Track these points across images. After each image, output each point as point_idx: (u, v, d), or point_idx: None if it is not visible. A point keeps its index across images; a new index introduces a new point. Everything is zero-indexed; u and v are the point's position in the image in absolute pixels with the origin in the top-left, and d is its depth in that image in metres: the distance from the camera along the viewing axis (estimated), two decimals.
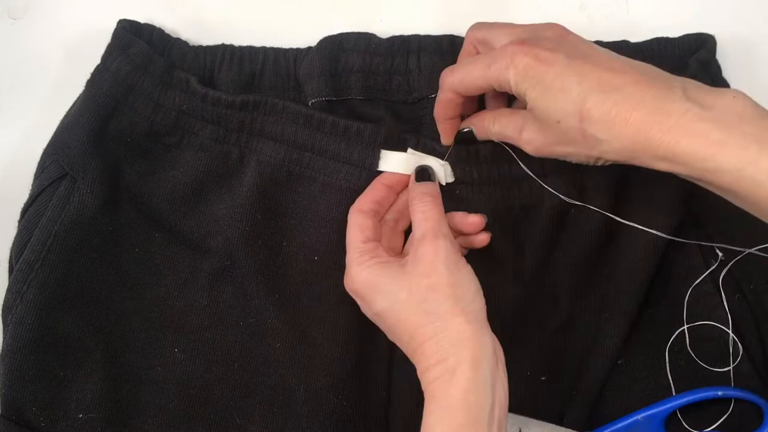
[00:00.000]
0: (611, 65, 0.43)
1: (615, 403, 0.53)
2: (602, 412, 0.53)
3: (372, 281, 0.48)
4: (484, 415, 0.42)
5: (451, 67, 0.50)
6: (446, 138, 0.53)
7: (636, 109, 0.41)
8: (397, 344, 0.48)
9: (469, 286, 0.46)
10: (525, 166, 0.52)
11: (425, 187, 0.51)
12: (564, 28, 0.47)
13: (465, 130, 0.52)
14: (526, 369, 0.54)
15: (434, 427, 0.42)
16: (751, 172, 0.38)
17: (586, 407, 0.53)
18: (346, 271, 0.50)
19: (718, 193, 0.42)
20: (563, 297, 0.54)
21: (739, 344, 0.52)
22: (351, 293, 0.49)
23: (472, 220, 0.52)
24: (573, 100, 0.42)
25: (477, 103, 0.53)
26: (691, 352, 0.53)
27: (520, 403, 0.53)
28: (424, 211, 0.48)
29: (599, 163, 0.46)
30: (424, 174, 0.52)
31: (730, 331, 0.52)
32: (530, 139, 0.47)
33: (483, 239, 0.53)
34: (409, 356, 0.46)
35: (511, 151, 0.52)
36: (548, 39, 0.45)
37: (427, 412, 0.43)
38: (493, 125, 0.50)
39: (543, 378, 0.54)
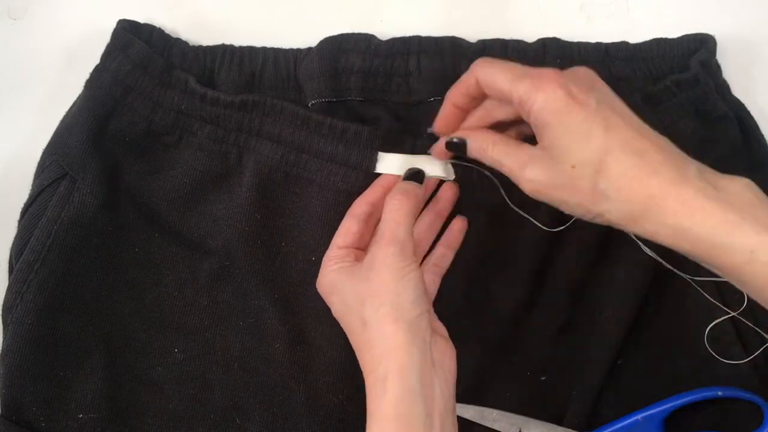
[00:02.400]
0: (637, 126, 0.43)
1: (615, 403, 0.53)
2: (602, 412, 0.53)
3: (332, 284, 0.48)
4: (419, 425, 0.41)
5: (489, 58, 0.47)
6: (440, 121, 0.50)
7: (655, 176, 0.40)
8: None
9: (408, 293, 0.44)
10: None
11: (406, 185, 0.49)
12: (594, 74, 0.45)
13: (455, 140, 0.48)
14: (526, 369, 0.54)
15: None
16: (764, 257, 0.38)
17: (585, 407, 0.53)
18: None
19: (718, 272, 0.41)
20: (563, 297, 0.54)
21: (739, 344, 0.52)
22: (320, 294, 0.49)
23: (446, 194, 0.53)
24: (596, 150, 0.41)
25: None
26: (709, 348, 0.52)
27: (520, 403, 0.53)
28: (390, 210, 0.47)
29: (594, 221, 0.44)
30: (413, 176, 0.51)
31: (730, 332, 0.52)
32: (532, 178, 0.44)
33: (460, 227, 0.53)
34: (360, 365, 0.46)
35: (494, 179, 0.51)
36: (582, 79, 0.44)
37: (367, 425, 0.43)
38: (492, 149, 0.46)
39: (543, 378, 0.54)
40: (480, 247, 0.54)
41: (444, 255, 0.53)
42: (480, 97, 0.48)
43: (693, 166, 0.42)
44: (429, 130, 0.51)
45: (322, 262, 0.49)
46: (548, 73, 0.43)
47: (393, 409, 0.42)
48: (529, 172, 0.44)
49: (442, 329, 0.47)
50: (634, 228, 0.42)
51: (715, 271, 0.41)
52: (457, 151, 0.49)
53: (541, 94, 0.42)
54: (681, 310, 0.53)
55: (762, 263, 0.38)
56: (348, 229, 0.50)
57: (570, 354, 0.54)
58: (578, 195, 0.42)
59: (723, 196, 0.40)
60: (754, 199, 0.40)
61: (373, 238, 0.48)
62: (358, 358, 0.46)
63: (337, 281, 0.47)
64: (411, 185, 0.49)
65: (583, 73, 0.45)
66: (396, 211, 0.47)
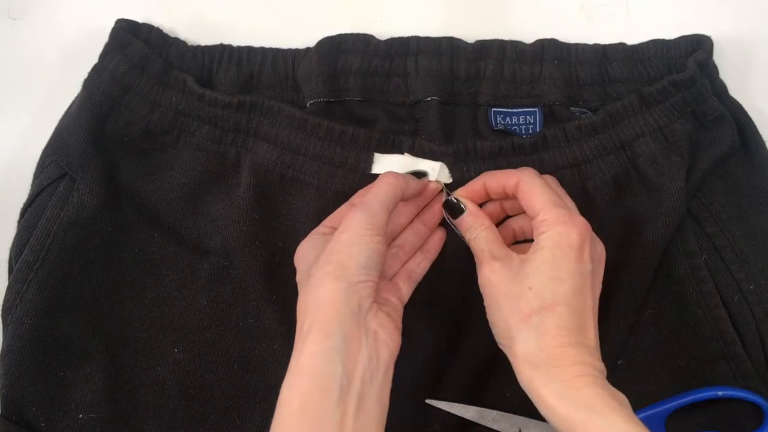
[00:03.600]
0: (594, 316, 0.46)
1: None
2: None
3: (302, 251, 0.49)
4: (334, 385, 0.41)
5: (536, 173, 0.50)
6: (463, 191, 0.52)
7: (573, 347, 0.44)
8: None
9: (359, 257, 0.44)
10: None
11: (404, 173, 0.51)
12: (604, 254, 0.49)
13: (455, 201, 0.51)
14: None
15: (284, 391, 0.42)
16: None
17: None
18: None
19: None
20: None
21: (740, 344, 0.52)
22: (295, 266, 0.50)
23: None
24: (555, 294, 0.44)
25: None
26: None
27: (520, 403, 0.53)
28: (376, 185, 0.48)
29: (501, 341, 0.47)
30: (414, 173, 0.52)
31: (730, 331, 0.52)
32: (493, 273, 0.47)
33: (440, 237, 0.54)
34: None
35: (450, 221, 0.52)
36: (597, 246, 0.48)
37: (284, 380, 0.43)
38: (479, 230, 0.49)
39: None
40: None
41: (421, 262, 0.53)
42: (509, 196, 0.51)
43: (602, 368, 0.45)
44: (451, 197, 0.52)
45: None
46: (580, 219, 0.47)
47: (309, 361, 0.42)
48: (497, 266, 0.47)
49: (395, 318, 0.47)
50: (525, 372, 0.44)
51: None
52: (452, 211, 0.52)
53: (561, 227, 0.46)
54: (681, 310, 0.53)
55: None
56: (340, 212, 0.51)
57: None
58: (512, 312, 0.45)
59: (609, 390, 0.43)
60: (629, 407, 0.43)
61: None
62: (297, 311, 0.45)
63: (307, 248, 0.48)
64: (406, 177, 0.51)
65: (600, 246, 0.49)
66: (380, 186, 0.48)
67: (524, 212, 0.51)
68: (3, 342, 0.51)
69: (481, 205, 0.52)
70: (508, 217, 0.54)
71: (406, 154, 0.54)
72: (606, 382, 0.43)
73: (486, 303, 0.48)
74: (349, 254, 0.44)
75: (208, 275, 0.54)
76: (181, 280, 0.54)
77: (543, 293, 0.45)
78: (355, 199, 0.52)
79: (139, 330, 0.53)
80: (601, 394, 0.42)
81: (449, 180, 0.53)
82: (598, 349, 0.46)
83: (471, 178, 0.53)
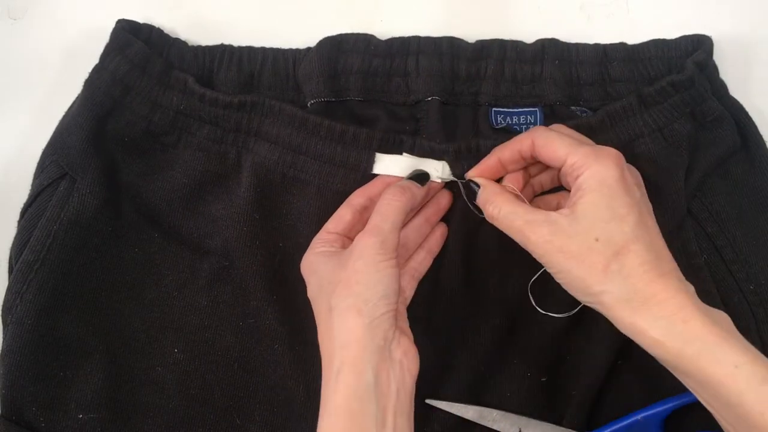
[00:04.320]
0: (659, 234, 0.45)
1: (615, 403, 0.53)
2: (602, 412, 0.53)
3: (313, 265, 0.48)
4: (370, 422, 0.41)
5: (546, 128, 0.49)
6: (476, 170, 0.51)
7: (663, 279, 0.42)
8: None
9: (378, 287, 0.44)
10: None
11: (405, 183, 0.50)
12: (640, 176, 0.49)
13: (474, 184, 0.50)
14: (527, 370, 0.54)
15: None
16: (746, 373, 0.40)
17: (585, 408, 0.52)
18: None
19: (688, 383, 0.43)
20: (563, 298, 0.54)
21: None
22: (302, 275, 0.50)
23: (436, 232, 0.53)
24: (625, 233, 0.43)
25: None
26: None
27: (520, 403, 0.53)
28: (382, 203, 0.48)
29: (586, 300, 0.45)
30: (416, 177, 0.51)
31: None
32: (547, 237, 0.44)
33: (441, 233, 0.53)
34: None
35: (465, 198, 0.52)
36: (633, 173, 0.47)
37: (319, 416, 0.43)
38: (501, 205, 0.47)
39: (543, 379, 0.54)
40: (477, 249, 0.54)
41: (423, 259, 0.53)
42: (527, 160, 0.50)
43: (691, 286, 0.44)
44: (465, 176, 0.51)
45: (310, 244, 0.50)
46: (610, 150, 0.45)
47: (344, 402, 0.42)
48: (547, 230, 0.44)
49: (408, 331, 0.48)
50: (625, 318, 0.43)
51: (686, 381, 0.43)
52: (468, 193, 0.51)
53: (597, 164, 0.44)
54: None
55: (744, 378, 0.40)
56: (341, 216, 0.51)
57: (570, 355, 0.54)
58: (586, 268, 0.43)
59: (712, 316, 0.42)
60: (734, 327, 0.43)
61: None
62: (320, 344, 0.46)
63: (318, 263, 0.48)
64: (410, 183, 0.50)
65: (635, 170, 0.48)
66: (387, 205, 0.48)
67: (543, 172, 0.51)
68: (3, 342, 0.51)
69: (499, 181, 0.51)
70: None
71: (405, 154, 0.54)
72: (703, 304, 0.42)
73: (552, 271, 0.45)
74: (366, 284, 0.44)
75: (209, 275, 0.54)
76: (182, 280, 0.54)
77: (611, 238, 0.43)
78: (353, 198, 0.52)
79: (139, 330, 0.53)
80: (708, 324, 0.41)
81: (451, 179, 0.53)
82: (679, 270, 0.44)
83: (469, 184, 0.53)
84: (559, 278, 0.45)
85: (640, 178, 0.48)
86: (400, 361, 0.45)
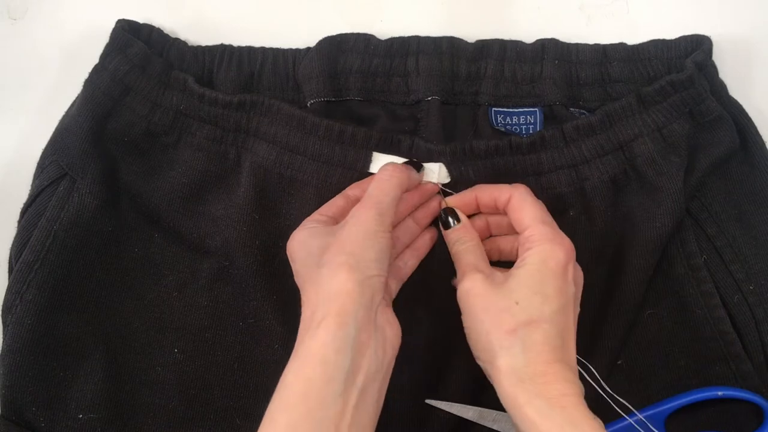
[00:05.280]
0: (572, 338, 0.46)
1: (615, 404, 0.53)
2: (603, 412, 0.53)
3: (301, 240, 0.48)
4: (340, 375, 0.41)
5: (528, 190, 0.50)
6: (453, 200, 0.53)
7: (552, 364, 0.43)
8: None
9: (371, 251, 0.45)
10: None
11: (402, 164, 0.51)
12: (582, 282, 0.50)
13: (451, 216, 0.52)
14: None
15: (287, 376, 0.42)
16: None
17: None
18: None
19: None
20: None
21: (739, 344, 0.52)
22: (288, 255, 0.49)
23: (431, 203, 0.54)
24: (548, 312, 0.44)
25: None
26: None
27: None
28: (380, 179, 0.49)
29: (480, 359, 0.46)
30: (413, 163, 0.52)
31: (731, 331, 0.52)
32: (474, 283, 0.47)
33: (430, 236, 0.54)
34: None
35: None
36: (579, 273, 0.49)
37: (288, 363, 0.43)
38: (467, 242, 0.50)
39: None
40: None
41: (409, 260, 0.53)
42: (498, 210, 0.51)
43: (583, 388, 0.44)
44: (448, 206, 0.53)
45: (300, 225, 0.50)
46: (567, 240, 0.47)
47: (320, 350, 0.41)
48: (478, 278, 0.47)
49: (394, 314, 0.47)
50: (508, 386, 0.44)
51: None
52: (444, 220, 0.52)
53: (549, 245, 0.46)
54: (681, 311, 0.53)
55: None
56: (335, 203, 0.51)
57: None
58: (496, 325, 0.45)
59: (591, 415, 0.42)
60: None
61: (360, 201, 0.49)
62: (302, 295, 0.45)
63: (307, 236, 0.48)
64: (406, 165, 0.51)
65: (580, 270, 0.49)
66: (385, 181, 0.48)
67: (509, 234, 0.52)
68: (3, 342, 0.51)
69: (470, 217, 0.52)
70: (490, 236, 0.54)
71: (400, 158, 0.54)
72: (587, 408, 0.43)
73: (465, 316, 0.47)
74: (362, 247, 0.45)
75: (209, 275, 0.54)
76: (182, 280, 0.54)
77: (530, 308, 0.44)
78: (349, 190, 0.52)
79: (139, 330, 0.53)
80: (585, 415, 0.42)
81: (447, 179, 0.53)
82: (577, 369, 0.45)
83: (469, 178, 0.53)
84: (467, 326, 0.47)
85: (582, 281, 0.49)
86: (383, 327, 0.45)
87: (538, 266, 0.46)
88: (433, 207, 0.53)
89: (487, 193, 0.51)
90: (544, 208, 0.49)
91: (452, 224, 0.51)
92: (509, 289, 0.45)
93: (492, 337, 0.45)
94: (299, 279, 0.47)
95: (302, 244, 0.48)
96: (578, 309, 0.48)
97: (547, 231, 0.47)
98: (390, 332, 0.45)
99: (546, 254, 0.46)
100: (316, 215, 0.50)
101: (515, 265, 0.47)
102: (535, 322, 0.44)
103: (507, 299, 0.45)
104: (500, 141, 0.53)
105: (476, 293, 0.46)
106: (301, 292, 0.46)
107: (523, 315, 0.44)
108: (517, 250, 0.49)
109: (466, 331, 0.47)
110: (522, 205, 0.49)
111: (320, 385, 0.41)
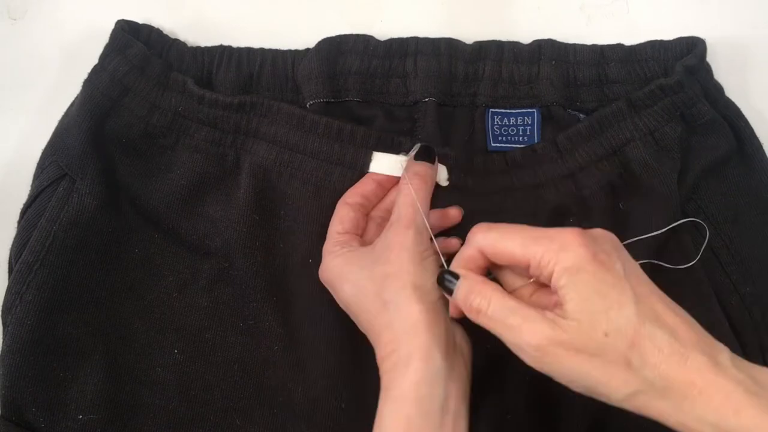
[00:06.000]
0: (664, 298, 0.40)
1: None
2: (603, 413, 0.53)
3: (340, 269, 0.48)
4: (436, 408, 0.41)
5: (487, 223, 0.43)
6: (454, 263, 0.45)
7: (690, 359, 0.37)
8: (366, 334, 0.47)
9: (429, 276, 0.45)
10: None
11: (421, 167, 0.50)
12: (614, 236, 0.41)
13: (449, 278, 0.43)
14: (527, 372, 0.53)
15: (386, 418, 0.42)
16: None
17: (588, 410, 0.52)
18: (321, 261, 0.50)
19: None
20: None
21: (738, 346, 0.52)
22: (324, 283, 0.50)
23: (452, 213, 0.52)
24: (630, 319, 0.37)
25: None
26: None
27: (521, 404, 0.53)
28: (408, 194, 0.48)
29: (621, 404, 0.38)
30: (425, 152, 0.50)
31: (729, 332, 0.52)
32: (544, 333, 0.38)
33: (455, 214, 0.52)
34: (374, 346, 0.46)
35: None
36: (605, 240, 0.40)
37: (380, 403, 0.43)
38: (490, 299, 0.41)
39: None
40: None
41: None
42: (490, 266, 0.44)
43: (724, 350, 0.38)
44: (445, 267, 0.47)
45: (324, 251, 0.50)
46: (569, 232, 0.40)
47: (414, 388, 0.42)
48: (543, 328, 0.38)
49: (463, 328, 0.47)
50: (669, 418, 0.37)
51: None
52: (443, 287, 0.44)
53: (563, 254, 0.39)
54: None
55: None
56: (344, 215, 0.51)
57: None
58: (607, 368, 0.37)
59: (762, 390, 0.36)
60: None
61: (388, 222, 0.48)
62: (374, 340, 0.46)
63: (345, 266, 0.47)
64: (424, 167, 0.50)
65: (603, 235, 0.41)
66: (412, 196, 0.48)
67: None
68: (3, 342, 0.51)
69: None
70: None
71: (401, 154, 0.54)
72: (744, 367, 0.37)
73: (565, 379, 0.39)
74: (418, 274, 0.45)
75: (209, 276, 0.54)
76: (181, 281, 0.54)
77: (620, 328, 0.37)
78: (349, 198, 0.52)
79: (139, 331, 0.53)
80: (762, 409, 0.35)
81: (446, 183, 0.53)
82: (702, 330, 0.38)
83: (467, 185, 0.53)
84: (574, 386, 0.39)
85: (614, 240, 0.41)
86: (461, 346, 0.45)
87: (580, 283, 0.38)
88: (451, 216, 0.53)
89: (462, 262, 0.44)
90: (518, 228, 0.42)
91: (452, 283, 0.43)
92: (582, 324, 0.38)
93: (614, 382, 0.37)
94: (353, 312, 0.47)
95: (344, 275, 0.47)
96: (636, 265, 0.40)
97: (545, 243, 0.40)
98: (466, 348, 0.46)
99: (570, 265, 0.38)
100: (336, 236, 0.50)
101: (556, 299, 0.40)
102: (634, 337, 0.37)
103: (591, 335, 0.37)
104: (497, 158, 0.53)
105: (557, 347, 0.38)
106: (367, 329, 0.46)
107: (620, 342, 0.37)
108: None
109: (578, 390, 0.39)
110: (497, 248, 0.42)
111: (419, 422, 0.41)
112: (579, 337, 0.37)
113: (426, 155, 0.51)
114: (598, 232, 0.41)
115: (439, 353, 0.43)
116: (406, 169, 0.50)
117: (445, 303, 0.45)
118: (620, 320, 0.37)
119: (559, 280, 0.39)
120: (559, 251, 0.39)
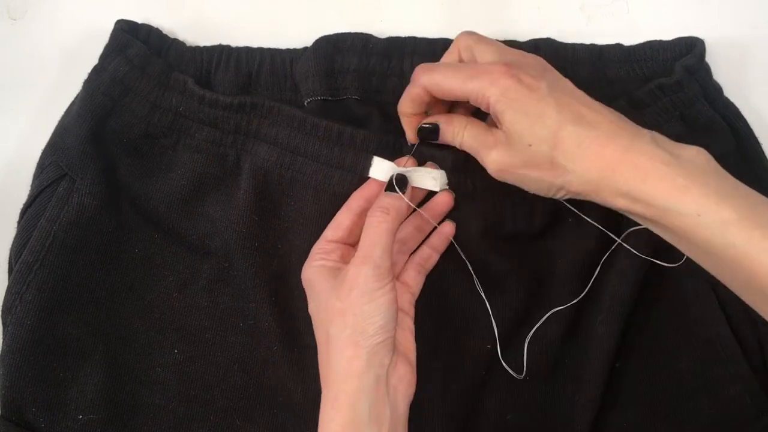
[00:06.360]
0: (588, 102, 0.45)
1: (614, 403, 0.53)
2: (604, 414, 0.53)
3: (312, 281, 0.49)
4: None
5: (429, 64, 0.49)
6: (410, 133, 0.52)
7: (608, 145, 0.43)
8: None
9: (375, 318, 0.45)
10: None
11: (387, 199, 0.49)
12: (543, 60, 0.48)
13: (427, 125, 0.50)
14: (527, 374, 0.53)
15: None
16: (709, 220, 0.40)
17: (589, 411, 0.52)
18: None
19: (667, 238, 0.44)
20: (562, 303, 0.54)
21: (738, 346, 0.52)
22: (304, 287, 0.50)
23: (446, 230, 0.53)
24: (549, 127, 0.44)
25: (443, 104, 0.52)
26: None
27: (521, 404, 0.53)
28: (369, 227, 0.47)
29: (557, 196, 0.46)
30: (395, 184, 0.50)
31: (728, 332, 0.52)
32: (495, 159, 0.46)
33: (445, 200, 0.53)
34: None
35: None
36: (532, 66, 0.46)
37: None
38: (463, 132, 0.49)
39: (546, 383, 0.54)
40: (474, 257, 0.54)
41: (429, 256, 0.53)
42: (432, 102, 0.50)
43: (647, 134, 0.44)
44: (409, 143, 0.52)
45: (310, 253, 0.50)
46: (497, 67, 0.45)
47: (339, 431, 0.43)
48: (495, 153, 0.46)
49: (410, 351, 0.48)
50: (594, 197, 0.44)
51: (667, 237, 0.44)
52: (429, 137, 0.50)
53: (494, 88, 0.45)
54: (678, 313, 0.53)
55: (707, 226, 0.40)
56: (339, 223, 0.51)
57: (569, 359, 0.53)
58: (539, 170, 0.45)
59: (675, 162, 0.41)
60: (706, 165, 0.42)
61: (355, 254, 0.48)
62: (319, 364, 0.47)
63: (317, 280, 0.48)
64: (392, 198, 0.49)
65: (533, 60, 0.47)
66: (374, 228, 0.47)
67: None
68: (3, 342, 0.51)
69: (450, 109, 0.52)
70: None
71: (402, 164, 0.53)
72: (663, 144, 0.43)
73: (519, 184, 0.47)
74: (363, 315, 0.45)
75: (208, 276, 0.54)
76: (181, 281, 0.54)
77: (540, 138, 0.44)
78: (351, 202, 0.52)
79: (139, 331, 0.53)
80: (667, 176, 0.41)
81: (445, 187, 0.53)
82: (623, 118, 0.45)
83: (468, 187, 0.53)
84: (526, 188, 0.47)
85: (542, 64, 0.47)
86: (395, 387, 0.46)
87: (508, 109, 0.44)
88: (441, 203, 0.53)
89: (407, 103, 0.50)
90: (456, 67, 0.48)
91: (436, 132, 0.50)
92: (516, 140, 0.45)
93: (547, 179, 0.45)
94: (313, 325, 0.49)
95: (313, 288, 0.48)
96: (566, 83, 0.47)
97: (479, 81, 0.45)
98: (403, 387, 0.46)
99: (500, 97, 0.44)
100: (323, 243, 0.50)
101: (497, 123, 0.46)
102: (554, 140, 0.44)
103: (522, 148, 0.45)
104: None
105: (501, 164, 0.46)
106: (317, 348, 0.48)
107: (543, 146, 0.44)
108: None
109: (528, 189, 0.47)
110: (441, 85, 0.47)
111: None
112: (516, 153, 0.45)
113: (393, 187, 0.50)
114: (527, 59, 0.47)
115: (365, 400, 0.44)
116: (375, 203, 0.49)
117: (387, 345, 0.45)
118: (542, 131, 0.44)
119: (494, 111, 0.45)
120: (490, 86, 0.45)
